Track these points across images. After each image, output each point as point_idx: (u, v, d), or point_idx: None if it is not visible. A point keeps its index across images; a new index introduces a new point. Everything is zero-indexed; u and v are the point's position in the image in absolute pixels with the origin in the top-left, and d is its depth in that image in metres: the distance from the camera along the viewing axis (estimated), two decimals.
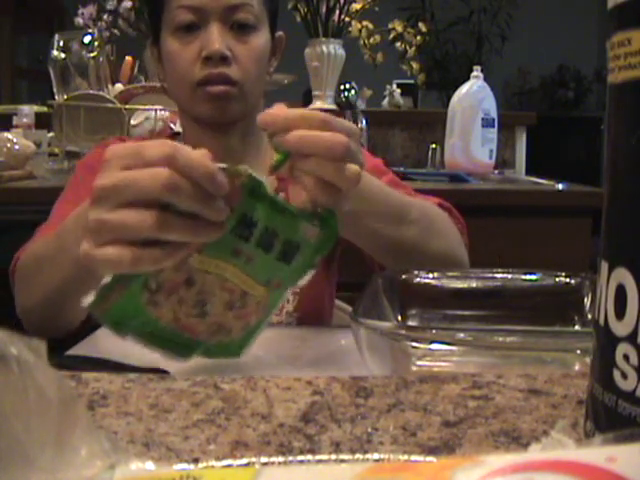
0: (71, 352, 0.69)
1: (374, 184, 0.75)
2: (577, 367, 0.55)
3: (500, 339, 0.62)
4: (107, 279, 0.52)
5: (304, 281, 0.59)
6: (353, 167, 0.58)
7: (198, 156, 0.51)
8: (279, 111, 0.58)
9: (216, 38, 0.86)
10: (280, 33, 0.97)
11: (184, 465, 0.35)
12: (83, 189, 0.90)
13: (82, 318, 0.74)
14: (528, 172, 2.28)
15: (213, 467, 0.35)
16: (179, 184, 0.50)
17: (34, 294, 0.77)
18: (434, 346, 0.56)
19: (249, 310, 0.58)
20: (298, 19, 2.09)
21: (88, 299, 0.52)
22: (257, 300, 0.57)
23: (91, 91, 1.63)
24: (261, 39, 0.90)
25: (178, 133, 1.06)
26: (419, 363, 0.56)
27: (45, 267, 0.74)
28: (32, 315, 0.78)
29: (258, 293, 0.57)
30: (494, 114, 2.01)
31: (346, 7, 2.06)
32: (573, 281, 0.73)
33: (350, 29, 2.18)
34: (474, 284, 0.75)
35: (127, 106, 1.64)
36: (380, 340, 0.58)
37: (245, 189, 0.52)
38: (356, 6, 2.12)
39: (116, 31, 2.05)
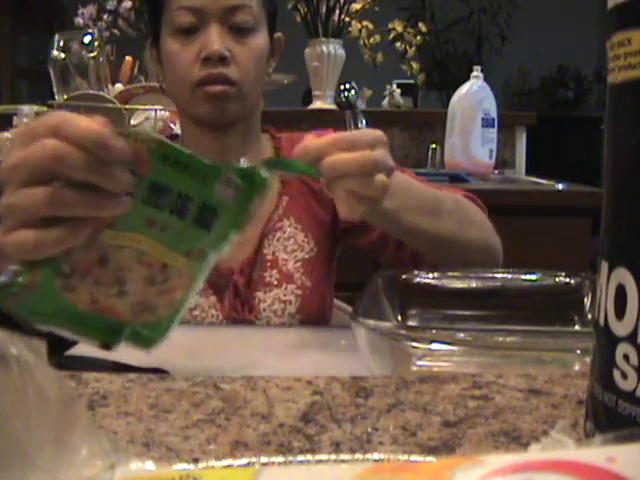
0: (71, 352, 0.69)
1: (408, 182, 0.81)
2: (577, 367, 0.55)
3: (500, 339, 0.62)
4: (13, 268, 0.49)
5: (228, 248, 0.54)
6: (380, 177, 0.63)
7: (88, 123, 0.48)
8: (310, 142, 0.62)
9: (215, 39, 0.86)
10: (279, 34, 0.97)
11: (184, 465, 0.35)
12: None
13: None
14: (528, 172, 2.27)
15: (213, 467, 0.35)
16: (65, 153, 0.47)
17: None
18: (434, 346, 0.56)
19: (172, 284, 0.54)
20: (298, 19, 2.09)
21: None
22: (180, 272, 0.54)
23: (91, 91, 1.63)
24: (260, 40, 0.91)
25: (178, 135, 1.06)
26: (419, 363, 0.56)
27: None
28: None
29: (180, 264, 0.53)
30: (494, 114, 2.01)
31: (346, 7, 2.06)
32: (573, 281, 0.73)
33: (350, 29, 2.18)
34: (474, 284, 0.75)
35: (127, 106, 1.64)
36: (380, 340, 0.58)
37: (155, 155, 0.50)
38: (356, 6, 2.12)
39: (116, 31, 2.04)
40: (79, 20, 2.07)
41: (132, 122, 1.63)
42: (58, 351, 0.66)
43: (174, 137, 1.05)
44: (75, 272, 0.51)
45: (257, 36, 0.90)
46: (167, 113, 1.63)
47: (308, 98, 2.22)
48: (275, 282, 0.92)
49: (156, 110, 1.63)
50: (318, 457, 0.36)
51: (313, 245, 0.95)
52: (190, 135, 0.96)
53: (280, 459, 0.36)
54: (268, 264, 0.93)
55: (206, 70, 0.87)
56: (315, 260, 0.95)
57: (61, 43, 1.61)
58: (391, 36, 2.33)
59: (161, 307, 0.55)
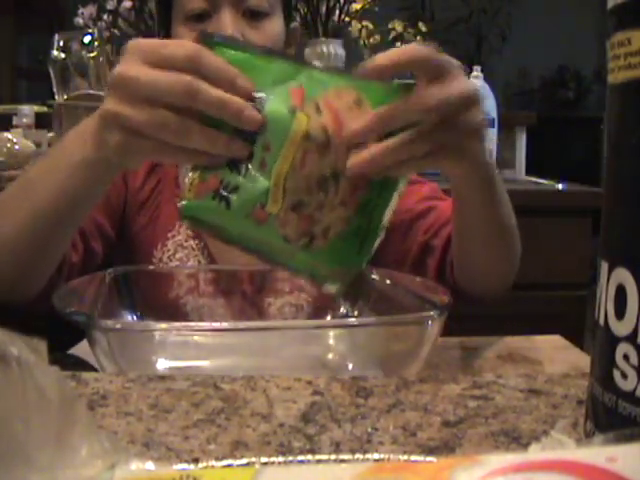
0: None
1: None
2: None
3: None
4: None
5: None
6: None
7: (221, 61, 0.53)
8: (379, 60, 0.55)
9: (228, 24, 0.82)
10: (295, 24, 0.92)
11: (184, 465, 0.35)
12: None
13: (55, 264, 0.71)
14: (528, 172, 2.27)
15: (213, 467, 0.35)
16: (201, 90, 0.52)
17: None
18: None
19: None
20: (298, 19, 2.09)
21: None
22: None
23: (91, 91, 1.63)
24: (275, 25, 0.87)
25: None
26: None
27: (20, 199, 0.68)
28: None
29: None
30: (494, 114, 2.00)
31: (346, 7, 2.06)
32: None
33: (350, 29, 2.18)
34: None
35: None
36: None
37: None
38: (356, 6, 2.12)
39: (116, 31, 2.04)
40: (79, 20, 2.07)
41: None
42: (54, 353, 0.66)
43: None
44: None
45: (272, 21, 0.86)
46: None
47: None
48: (287, 289, 0.89)
49: None
50: (318, 457, 0.36)
51: None
52: None
53: (280, 459, 0.36)
54: (280, 273, 0.88)
55: None
56: None
57: (61, 43, 1.61)
58: (391, 36, 2.32)
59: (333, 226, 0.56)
